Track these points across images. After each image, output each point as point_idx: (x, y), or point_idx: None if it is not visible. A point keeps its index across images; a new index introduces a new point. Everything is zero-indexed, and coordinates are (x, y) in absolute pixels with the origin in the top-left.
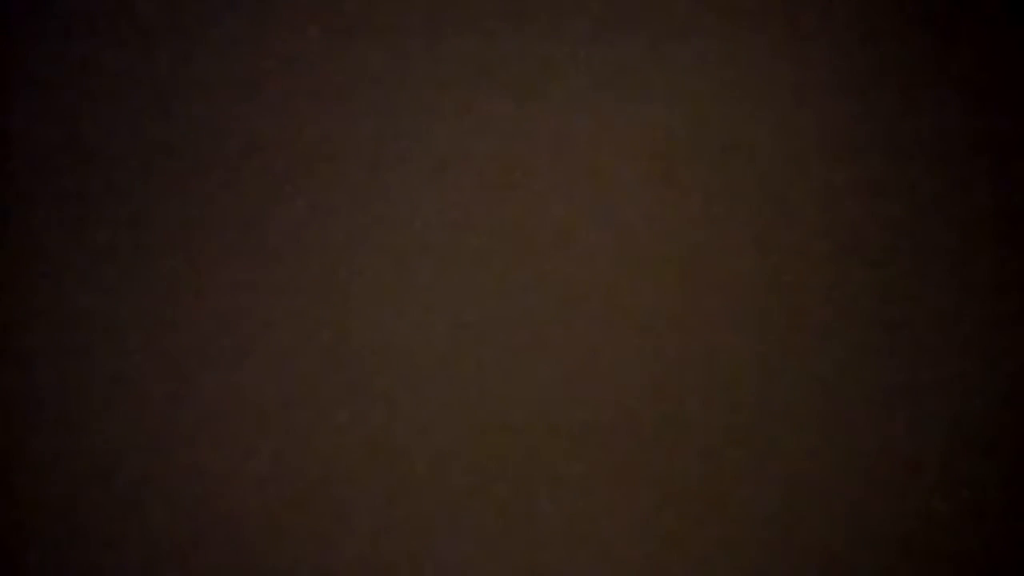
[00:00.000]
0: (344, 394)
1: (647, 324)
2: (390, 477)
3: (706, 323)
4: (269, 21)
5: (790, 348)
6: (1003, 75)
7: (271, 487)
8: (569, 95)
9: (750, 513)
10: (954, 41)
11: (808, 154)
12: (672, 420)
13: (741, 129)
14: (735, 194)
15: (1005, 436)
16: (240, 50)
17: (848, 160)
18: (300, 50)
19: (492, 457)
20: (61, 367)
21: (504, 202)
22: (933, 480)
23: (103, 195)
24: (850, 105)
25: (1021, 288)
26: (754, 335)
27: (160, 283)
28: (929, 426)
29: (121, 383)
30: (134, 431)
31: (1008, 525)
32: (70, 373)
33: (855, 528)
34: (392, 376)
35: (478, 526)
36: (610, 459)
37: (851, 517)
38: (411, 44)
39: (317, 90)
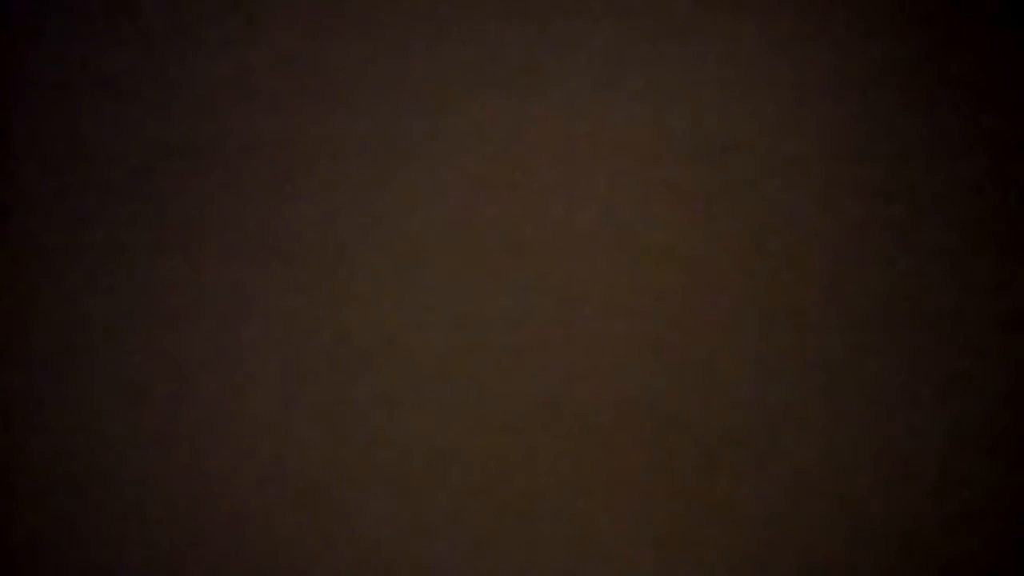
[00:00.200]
0: (344, 394)
1: (647, 324)
2: (390, 477)
3: (706, 323)
4: (269, 21)
5: (790, 348)
6: (1003, 75)
7: (271, 487)
8: (569, 95)
9: (750, 513)
10: (954, 41)
11: (808, 154)
12: (672, 420)
13: (741, 129)
14: (735, 194)
15: (1005, 436)
16: (239, 50)
17: (848, 160)
18: (300, 50)
19: (492, 457)
20: (61, 367)
21: (504, 202)
22: (933, 480)
23: (103, 195)
24: (850, 105)
25: (1021, 288)
26: (754, 335)
27: (160, 283)
28: (929, 426)
29: (121, 383)
30: (134, 431)
31: (1008, 525)
32: (70, 373)
33: (855, 528)
34: (392, 376)
35: (478, 526)
36: (610, 459)
37: (851, 517)
38: (411, 44)
39: (317, 90)
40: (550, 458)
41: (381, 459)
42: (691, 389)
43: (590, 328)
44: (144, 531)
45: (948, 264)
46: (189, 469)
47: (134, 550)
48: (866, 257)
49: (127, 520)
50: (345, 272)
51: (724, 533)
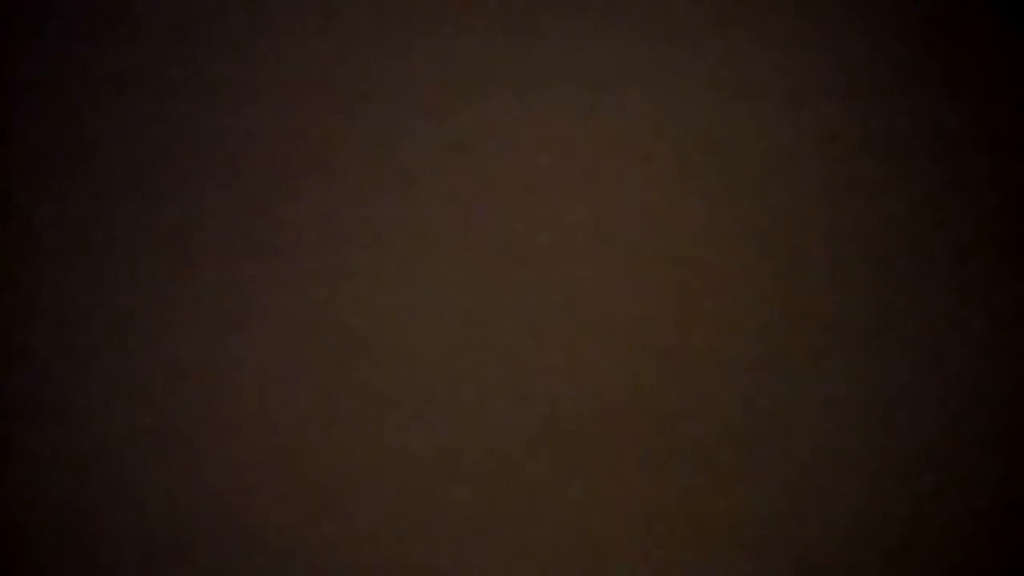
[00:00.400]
0: (344, 393)
1: (648, 323)
2: (390, 475)
3: (706, 323)
4: (269, 21)
5: (790, 348)
6: (1003, 75)
7: (271, 487)
8: (569, 95)
9: (750, 513)
10: (954, 41)
11: (808, 154)
12: (672, 420)
13: (740, 129)
14: (735, 194)
15: (1005, 436)
16: (240, 50)
17: (848, 160)
18: (301, 50)
19: (492, 456)
20: (61, 367)
21: (504, 202)
22: (933, 480)
23: (103, 195)
24: (850, 105)
25: (1021, 288)
26: (753, 335)
27: (160, 283)
28: (929, 426)
29: (121, 383)
30: (134, 431)
31: (1008, 525)
32: (70, 373)
33: (855, 528)
34: (393, 375)
35: (477, 524)
36: (610, 459)
37: (851, 517)
38: (412, 44)
39: (317, 90)
40: (550, 457)
41: (381, 457)
42: (690, 389)
43: (590, 328)
44: (143, 530)
45: (948, 264)
46: (189, 468)
47: (134, 549)
48: (866, 257)
49: (127, 519)
50: (346, 272)
51: (724, 532)
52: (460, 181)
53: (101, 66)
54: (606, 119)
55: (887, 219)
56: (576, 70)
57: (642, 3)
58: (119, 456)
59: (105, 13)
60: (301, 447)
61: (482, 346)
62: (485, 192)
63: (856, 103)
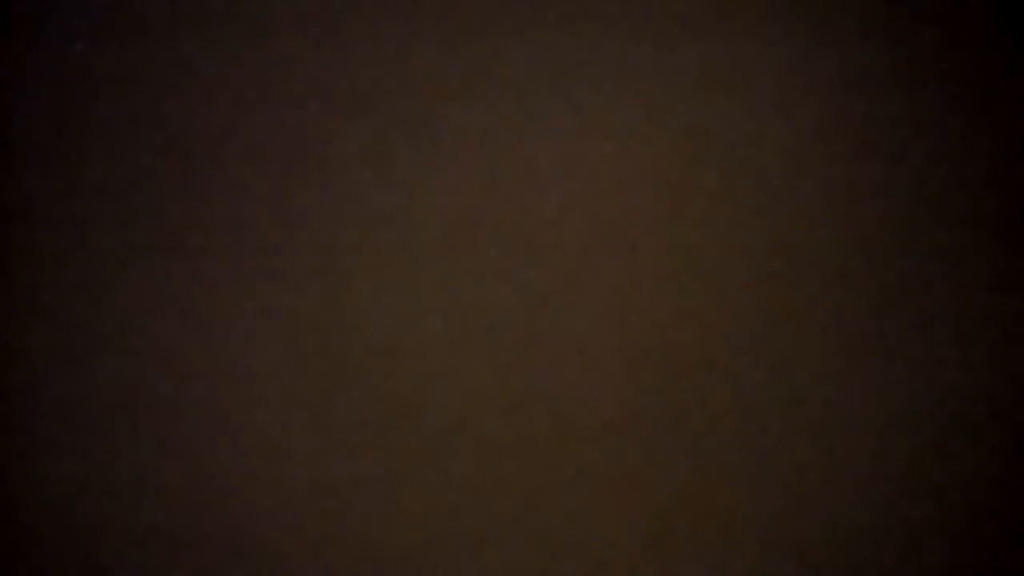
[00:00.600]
0: (344, 393)
1: (648, 323)
2: (390, 476)
3: (706, 323)
4: (269, 21)
5: (790, 348)
6: (1003, 75)
7: (272, 487)
8: (569, 95)
9: (750, 513)
10: (954, 41)
11: (809, 154)
12: (672, 419)
13: (742, 129)
14: (736, 194)
15: (1005, 436)
16: (240, 50)
17: (848, 160)
18: (301, 50)
19: (491, 455)
20: (61, 367)
21: (504, 202)
22: (933, 480)
23: (103, 195)
24: (850, 105)
25: (1021, 288)
26: (754, 335)
27: (160, 283)
28: (929, 426)
29: (121, 383)
30: (134, 431)
31: (1008, 525)
32: (70, 373)
33: (855, 528)
34: (393, 375)
35: (476, 524)
36: (610, 459)
37: (851, 517)
38: (412, 44)
39: (318, 90)
40: (549, 456)
41: (380, 457)
42: (691, 388)
43: (590, 327)
44: (143, 530)
45: (948, 264)
46: (188, 468)
47: (133, 550)
48: (866, 257)
49: (126, 520)
50: (346, 271)
51: (724, 532)
52: (460, 181)
53: (101, 66)
54: (607, 119)
55: (887, 219)
56: (576, 70)
57: (643, 3)
58: (119, 456)
59: (105, 13)
60: (301, 447)
61: (481, 345)
62: (485, 192)
63: (856, 103)
